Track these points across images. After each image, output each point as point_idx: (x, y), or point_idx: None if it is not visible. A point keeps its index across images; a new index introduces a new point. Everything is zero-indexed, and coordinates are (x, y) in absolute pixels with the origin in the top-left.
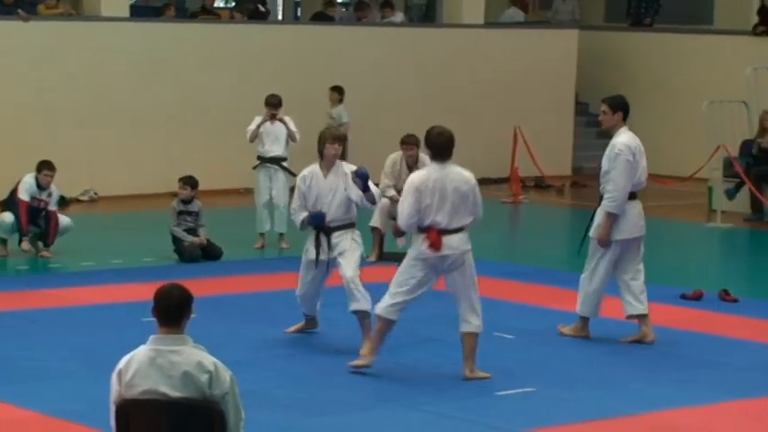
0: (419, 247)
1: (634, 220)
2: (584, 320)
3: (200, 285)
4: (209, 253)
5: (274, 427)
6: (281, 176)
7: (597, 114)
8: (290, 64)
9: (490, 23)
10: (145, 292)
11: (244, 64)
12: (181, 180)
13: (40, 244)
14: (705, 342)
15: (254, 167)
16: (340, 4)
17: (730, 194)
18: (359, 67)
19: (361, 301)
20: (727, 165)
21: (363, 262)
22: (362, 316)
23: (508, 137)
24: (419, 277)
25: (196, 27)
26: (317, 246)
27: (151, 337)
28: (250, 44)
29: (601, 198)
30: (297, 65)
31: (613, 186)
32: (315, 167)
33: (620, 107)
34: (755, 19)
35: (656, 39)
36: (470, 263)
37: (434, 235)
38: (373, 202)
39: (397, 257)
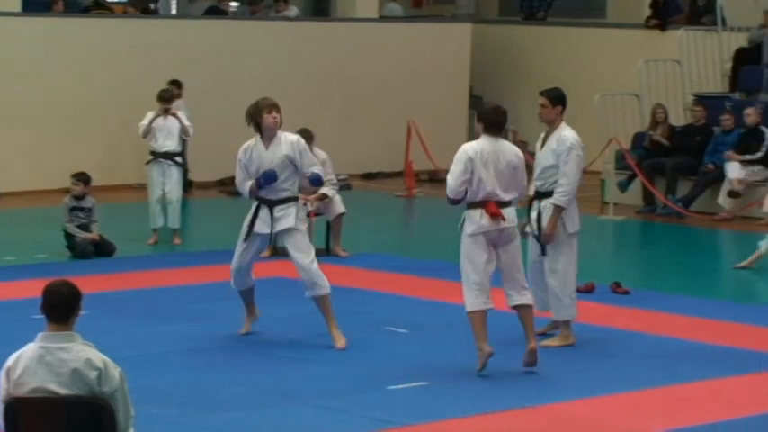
0: (477, 222)
1: (577, 214)
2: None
3: (93, 282)
4: (102, 249)
5: (166, 423)
6: (174, 172)
7: None
8: (184, 59)
9: (384, 17)
10: (36, 288)
11: (137, 59)
12: (73, 176)
13: None
14: (597, 334)
15: (147, 163)
16: None
17: (623, 187)
18: (253, 61)
19: (323, 287)
20: (620, 157)
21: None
22: (323, 301)
23: (402, 131)
24: (484, 256)
25: (89, 21)
26: (254, 218)
27: (40, 334)
28: (144, 39)
29: (537, 194)
30: (191, 60)
31: (566, 180)
32: (255, 141)
33: (560, 100)
34: (648, 12)
35: (550, 32)
36: (517, 234)
37: (494, 206)
38: (319, 184)
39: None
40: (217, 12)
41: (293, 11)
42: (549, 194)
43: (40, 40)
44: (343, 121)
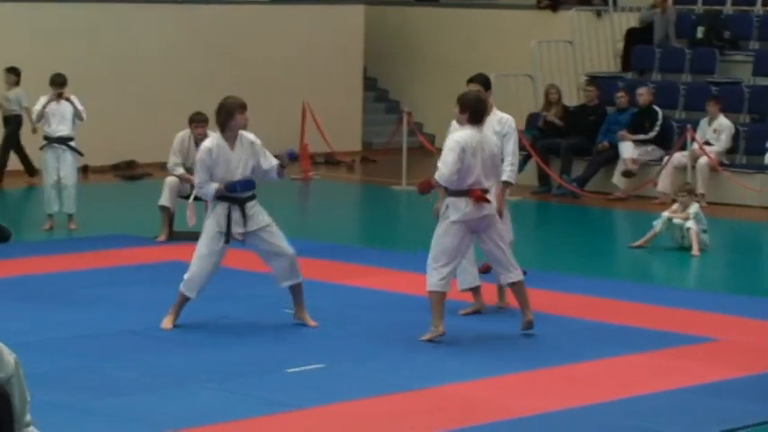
0: (462, 210)
1: None
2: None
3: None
4: None
5: (63, 408)
6: (68, 156)
7: (385, 89)
8: (78, 42)
9: (277, 0)
10: None
11: (32, 43)
12: None
13: None
14: (493, 314)
15: (41, 148)
16: None
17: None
18: (146, 44)
19: (300, 275)
20: None
21: None
22: (299, 288)
23: (297, 113)
24: (458, 242)
25: None
26: (229, 219)
27: None
28: (37, 22)
29: None
30: (85, 43)
31: (514, 159)
32: (218, 140)
33: (489, 84)
34: None
35: (443, 13)
36: (497, 218)
37: (479, 193)
38: (281, 175)
39: (188, 236)
40: None
41: None
42: None
43: None
44: None
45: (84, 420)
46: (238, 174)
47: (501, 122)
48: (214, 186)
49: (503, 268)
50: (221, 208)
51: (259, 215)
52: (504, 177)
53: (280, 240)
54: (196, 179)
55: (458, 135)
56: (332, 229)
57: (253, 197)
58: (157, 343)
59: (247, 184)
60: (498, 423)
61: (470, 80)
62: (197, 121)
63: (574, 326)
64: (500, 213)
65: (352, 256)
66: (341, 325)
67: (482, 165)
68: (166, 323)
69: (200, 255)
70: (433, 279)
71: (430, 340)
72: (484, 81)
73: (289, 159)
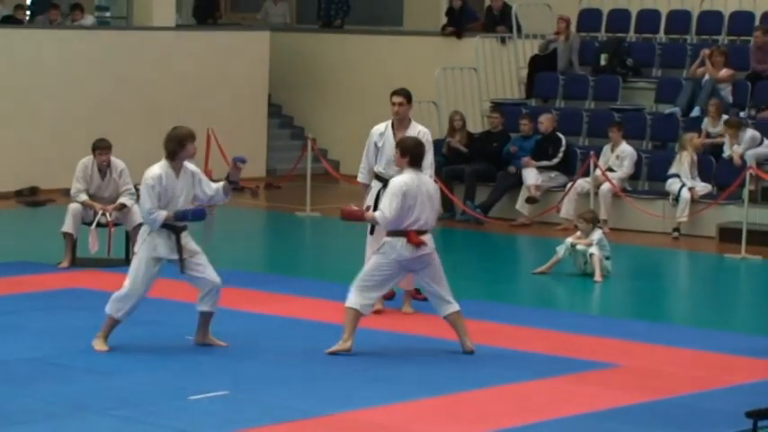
0: (397, 250)
1: None
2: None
3: None
4: None
5: None
6: None
7: (290, 116)
8: None
9: (181, 26)
10: None
11: None
12: None
13: None
14: (394, 340)
15: None
16: (29, 6)
17: None
18: (51, 71)
19: (215, 306)
20: None
21: None
22: (208, 318)
23: (202, 139)
24: (389, 277)
25: None
26: (178, 246)
27: None
28: None
29: (385, 180)
30: None
31: (431, 171)
32: (166, 168)
33: (411, 98)
34: (444, 20)
35: (347, 40)
36: (436, 258)
37: (414, 235)
38: (229, 194)
39: (91, 262)
40: (13, 21)
41: (89, 19)
42: None
43: None
44: (142, 129)
45: None
46: (180, 202)
47: (419, 135)
48: (163, 214)
49: (439, 302)
50: (160, 236)
51: (190, 243)
52: None
53: (208, 269)
54: (146, 206)
55: (401, 180)
56: (236, 255)
57: (185, 227)
58: (59, 370)
59: (199, 212)
60: None
61: (395, 92)
62: (101, 147)
63: (478, 351)
64: None
65: (257, 282)
66: (246, 352)
67: (420, 207)
68: (99, 345)
69: (134, 279)
70: (356, 299)
71: (334, 353)
72: (407, 94)
73: (241, 164)
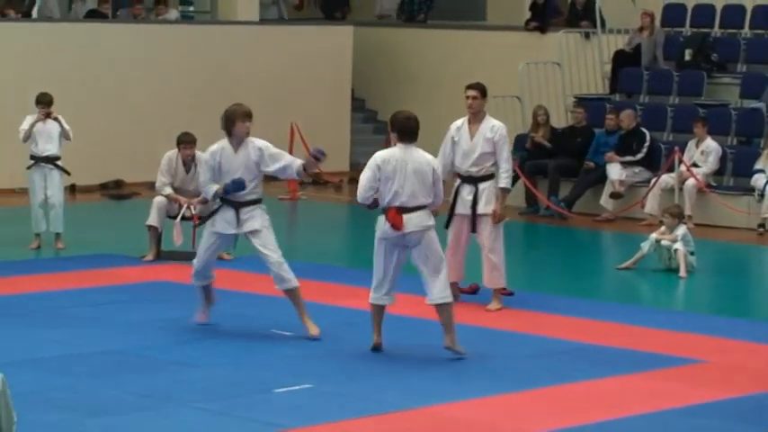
0: (381, 227)
1: None
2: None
3: None
4: None
5: (50, 428)
6: (55, 176)
7: (374, 110)
8: (67, 62)
9: (265, 20)
10: None
11: (19, 62)
12: None
13: None
14: (480, 335)
15: (29, 168)
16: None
17: None
18: (136, 65)
19: (291, 280)
20: None
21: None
22: (293, 294)
23: (285, 133)
24: (386, 257)
25: None
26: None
27: None
28: (24, 42)
29: (472, 179)
30: (73, 63)
31: (509, 165)
32: (224, 143)
33: (486, 92)
34: (527, 15)
35: (431, 35)
36: (431, 239)
37: (393, 213)
38: (300, 174)
39: (175, 255)
40: (97, 15)
41: (173, 14)
42: (484, 179)
43: None
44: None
45: None
46: (238, 175)
47: (492, 130)
48: (214, 187)
49: (427, 287)
50: (222, 211)
51: (252, 219)
52: (502, 184)
53: (264, 246)
54: (200, 178)
55: (378, 153)
56: (319, 249)
57: (251, 202)
58: (145, 362)
59: (236, 184)
60: None
61: (469, 86)
62: (185, 142)
63: (561, 347)
64: (499, 218)
65: (340, 276)
66: (329, 345)
67: (401, 181)
68: (200, 317)
69: (199, 251)
70: (371, 293)
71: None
72: (482, 88)
73: (321, 156)
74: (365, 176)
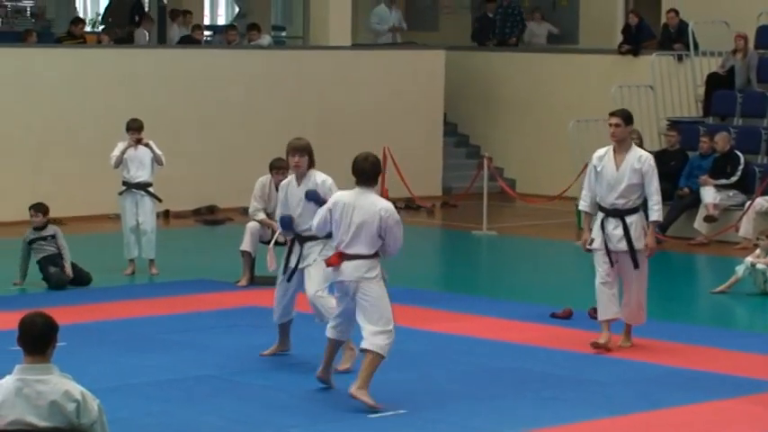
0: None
1: None
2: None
3: (70, 312)
4: (78, 279)
5: None
6: (147, 202)
7: (466, 135)
8: (159, 88)
9: (357, 45)
10: (12, 320)
11: (111, 88)
12: (31, 208)
13: None
14: (574, 360)
15: (120, 193)
16: (207, 27)
17: None
18: (228, 90)
19: (323, 317)
20: None
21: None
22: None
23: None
24: (338, 298)
25: (63, 52)
26: (288, 254)
27: (17, 366)
28: (118, 68)
29: (618, 211)
30: (166, 89)
31: (659, 197)
32: (291, 177)
33: (631, 120)
34: (620, 38)
35: (524, 58)
36: (368, 290)
37: (334, 257)
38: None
39: (269, 281)
40: (190, 41)
41: (266, 39)
42: (632, 211)
43: (13, 72)
44: (318, 148)
45: None
46: (295, 209)
47: (640, 160)
48: (259, 216)
49: (364, 334)
50: (288, 244)
51: (310, 255)
52: (653, 217)
53: (306, 282)
54: (276, 212)
55: (337, 193)
56: (412, 273)
57: (314, 237)
58: (239, 388)
59: (284, 221)
60: None
61: (611, 113)
62: (277, 167)
63: (654, 371)
64: (653, 252)
65: (433, 301)
66: (423, 370)
67: (347, 229)
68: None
69: (277, 288)
70: (329, 324)
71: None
72: (626, 115)
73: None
74: (318, 216)
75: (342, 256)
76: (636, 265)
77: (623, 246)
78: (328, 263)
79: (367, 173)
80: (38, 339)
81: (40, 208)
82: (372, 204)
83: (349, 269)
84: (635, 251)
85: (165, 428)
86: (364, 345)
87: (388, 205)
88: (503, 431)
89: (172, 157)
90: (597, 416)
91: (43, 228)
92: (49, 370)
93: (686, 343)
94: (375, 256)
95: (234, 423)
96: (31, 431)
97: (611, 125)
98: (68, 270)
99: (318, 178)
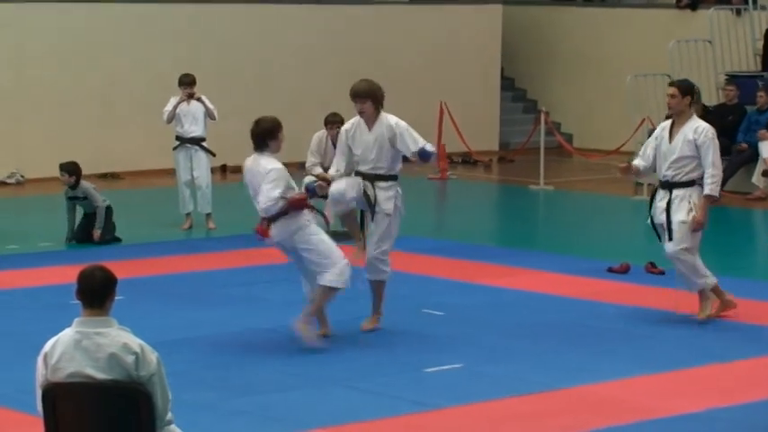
0: None
1: None
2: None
3: (127, 267)
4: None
5: (202, 407)
6: (201, 156)
7: (523, 89)
8: (212, 44)
9: (415, 0)
10: (71, 274)
11: (164, 45)
12: (60, 167)
13: None
14: (631, 314)
15: (174, 148)
16: None
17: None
18: (284, 45)
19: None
20: None
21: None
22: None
23: (434, 113)
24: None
25: (121, 6)
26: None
27: (76, 319)
28: (176, 23)
29: (668, 183)
30: (222, 44)
31: (715, 170)
32: (356, 120)
33: (689, 91)
34: None
35: (580, 12)
36: (303, 240)
37: (260, 227)
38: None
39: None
40: None
41: None
42: (682, 184)
43: (72, 25)
44: None
45: (220, 419)
46: (371, 156)
47: (696, 131)
48: (316, 171)
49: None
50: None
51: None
52: (706, 191)
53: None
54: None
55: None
56: (469, 228)
57: (386, 177)
58: (295, 342)
59: (309, 188)
60: (640, 424)
61: (670, 83)
62: (332, 122)
63: (712, 326)
64: (701, 226)
65: (490, 255)
66: (479, 325)
67: (254, 193)
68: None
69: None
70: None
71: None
72: (683, 86)
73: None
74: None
75: (264, 222)
76: (670, 238)
77: (664, 218)
78: (259, 235)
79: (258, 137)
80: (97, 293)
81: (65, 168)
82: (260, 165)
83: (273, 231)
84: (670, 223)
85: (220, 382)
86: (326, 282)
87: (271, 166)
88: (558, 385)
89: (230, 110)
90: (654, 370)
91: (75, 187)
92: (108, 323)
93: (745, 298)
94: (284, 212)
95: (289, 377)
96: (89, 383)
97: (667, 95)
98: (96, 235)
99: (392, 120)
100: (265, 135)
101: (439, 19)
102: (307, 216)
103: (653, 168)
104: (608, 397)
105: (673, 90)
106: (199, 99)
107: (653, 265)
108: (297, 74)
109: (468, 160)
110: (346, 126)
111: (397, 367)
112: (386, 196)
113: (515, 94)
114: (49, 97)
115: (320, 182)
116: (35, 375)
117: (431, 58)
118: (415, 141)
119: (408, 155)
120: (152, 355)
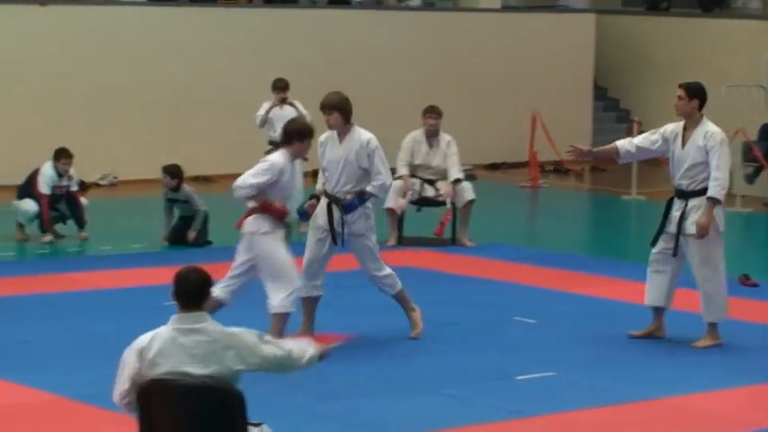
0: None
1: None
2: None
3: (221, 269)
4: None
5: (292, 410)
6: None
7: (615, 99)
8: (308, 48)
9: (507, 7)
10: (164, 275)
11: (260, 48)
12: (162, 169)
13: (75, 229)
14: (724, 326)
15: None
16: None
17: (750, 179)
18: (376, 51)
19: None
20: (746, 149)
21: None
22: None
23: (526, 121)
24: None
25: (213, 11)
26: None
27: (172, 317)
28: (266, 28)
29: (683, 193)
30: (314, 49)
31: (722, 174)
32: (331, 133)
33: (697, 93)
34: None
35: (674, 23)
36: (260, 246)
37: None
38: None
39: (418, 241)
40: (340, 1)
41: (416, 0)
42: (695, 194)
43: (163, 29)
44: (468, 111)
45: (310, 423)
46: (338, 170)
47: (706, 136)
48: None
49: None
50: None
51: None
52: (709, 194)
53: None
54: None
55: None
56: (560, 237)
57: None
58: (385, 348)
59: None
60: None
61: (680, 85)
62: (430, 112)
63: None
64: (705, 231)
65: (581, 265)
66: (570, 333)
67: None
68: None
69: None
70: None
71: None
72: (691, 88)
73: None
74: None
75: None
76: (674, 254)
77: (674, 230)
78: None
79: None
80: (193, 294)
81: (168, 170)
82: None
83: (245, 225)
84: (679, 235)
85: (310, 386)
86: (275, 309)
87: (271, 157)
88: (651, 396)
89: (318, 116)
90: (745, 382)
91: (176, 190)
92: (204, 318)
93: None
94: (257, 209)
95: (379, 382)
96: (185, 382)
97: (676, 96)
98: (191, 236)
99: (364, 136)
100: (293, 135)
101: (532, 27)
102: (280, 226)
103: (639, 156)
104: (703, 410)
105: (680, 92)
106: (291, 104)
107: (746, 277)
108: (386, 80)
109: (559, 169)
110: (321, 138)
111: (489, 374)
112: (353, 218)
113: (607, 104)
114: (140, 99)
115: (312, 201)
116: (120, 368)
117: (523, 66)
118: (378, 172)
119: (369, 185)
120: (251, 336)
